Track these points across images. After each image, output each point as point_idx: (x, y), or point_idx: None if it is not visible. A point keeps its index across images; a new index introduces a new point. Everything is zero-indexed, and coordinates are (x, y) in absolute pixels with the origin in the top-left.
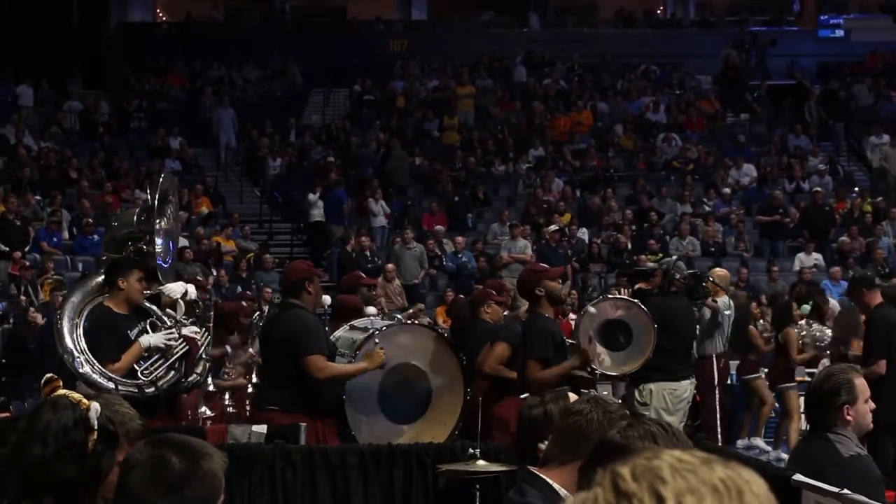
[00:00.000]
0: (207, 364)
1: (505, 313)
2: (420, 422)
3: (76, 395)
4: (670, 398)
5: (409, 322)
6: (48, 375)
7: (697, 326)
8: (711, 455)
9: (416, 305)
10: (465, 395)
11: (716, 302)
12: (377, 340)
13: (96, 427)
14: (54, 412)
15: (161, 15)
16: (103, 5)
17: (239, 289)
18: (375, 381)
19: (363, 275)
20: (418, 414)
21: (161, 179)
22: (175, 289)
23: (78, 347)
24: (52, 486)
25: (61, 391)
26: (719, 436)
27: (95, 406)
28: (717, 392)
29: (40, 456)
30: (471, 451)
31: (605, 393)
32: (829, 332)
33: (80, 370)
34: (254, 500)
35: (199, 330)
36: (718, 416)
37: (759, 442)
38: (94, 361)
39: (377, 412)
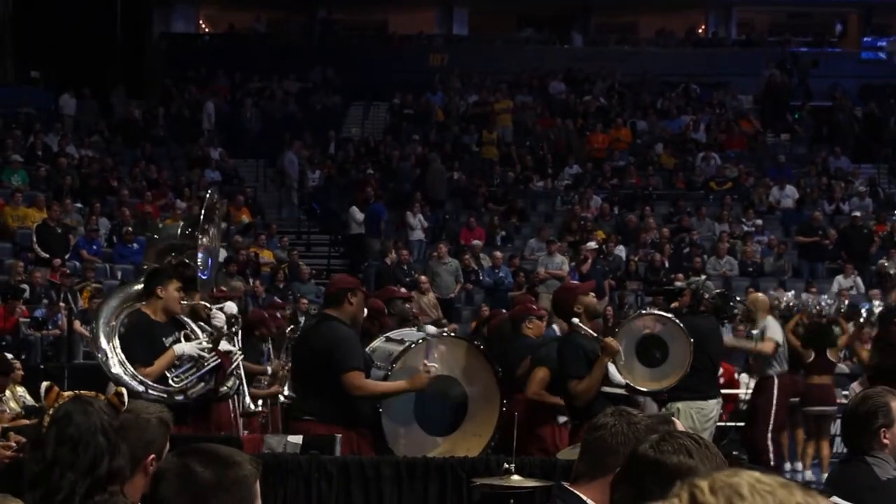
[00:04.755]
0: (238, 380)
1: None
2: (456, 433)
3: (85, 393)
4: (698, 417)
5: (444, 333)
6: (46, 384)
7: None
8: (790, 481)
9: (451, 326)
10: (501, 406)
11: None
12: (426, 362)
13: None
14: (88, 412)
15: (203, 26)
16: (147, 16)
17: (275, 300)
18: (410, 394)
19: (395, 288)
20: (455, 425)
21: (208, 195)
22: (220, 317)
23: (112, 349)
24: (115, 474)
25: (67, 393)
26: (771, 457)
27: (124, 390)
28: (772, 414)
29: (102, 450)
30: (506, 465)
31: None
32: None
33: (112, 371)
34: None
35: (233, 348)
36: (770, 437)
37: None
38: (127, 364)
39: (413, 423)
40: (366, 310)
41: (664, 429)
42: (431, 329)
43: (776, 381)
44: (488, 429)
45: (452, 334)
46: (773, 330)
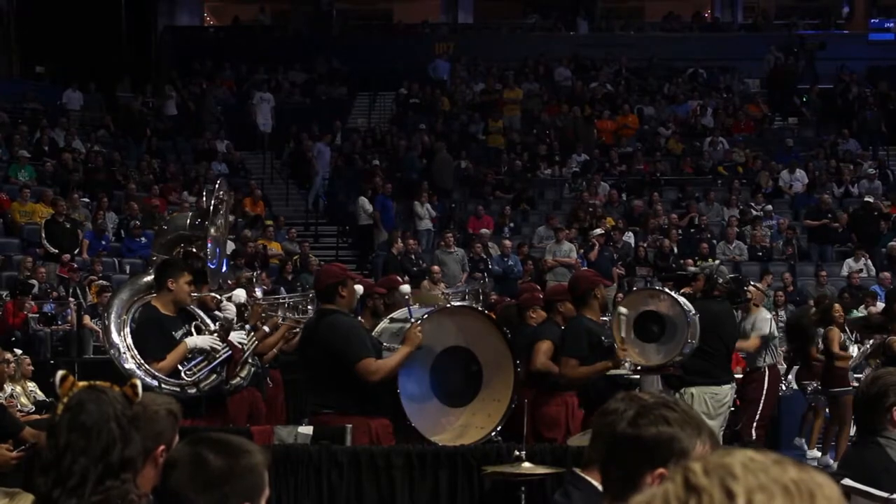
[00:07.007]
0: (252, 368)
1: None
2: (475, 402)
3: (99, 383)
4: (712, 402)
5: (448, 305)
6: (62, 372)
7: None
8: (784, 457)
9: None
10: (515, 368)
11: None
12: (412, 319)
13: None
14: (101, 400)
15: (208, 19)
16: (151, 9)
17: (282, 290)
18: (426, 370)
19: (398, 278)
20: (473, 394)
21: (217, 186)
22: (231, 308)
23: (124, 343)
24: (128, 462)
25: (81, 383)
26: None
27: (138, 381)
28: (760, 405)
29: (114, 437)
30: (516, 453)
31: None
32: None
33: (126, 366)
34: (299, 501)
35: (245, 338)
36: (755, 426)
37: (814, 452)
38: (140, 358)
39: (432, 399)
40: (361, 288)
41: (640, 402)
42: (405, 288)
43: (766, 372)
44: (507, 392)
45: (458, 302)
46: (762, 323)
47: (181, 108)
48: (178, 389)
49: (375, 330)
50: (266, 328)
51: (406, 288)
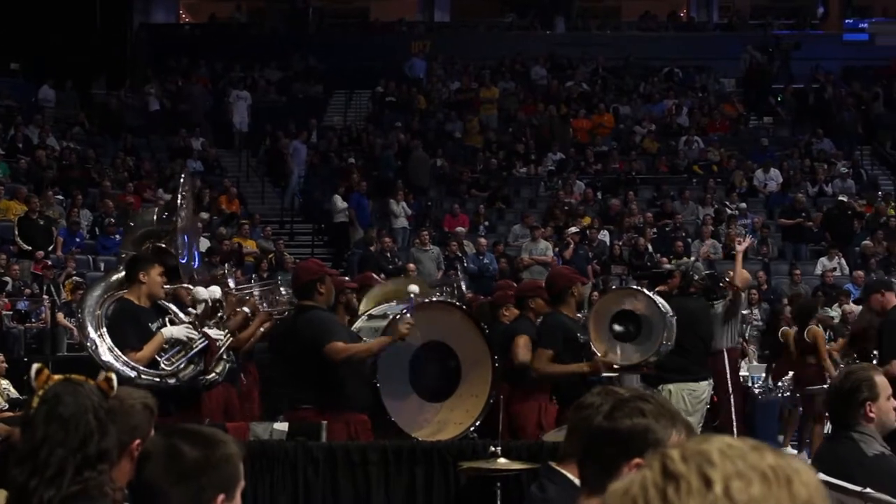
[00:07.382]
0: (228, 365)
1: None
2: (453, 397)
3: (75, 377)
4: (689, 399)
5: (427, 300)
6: (37, 366)
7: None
8: (762, 443)
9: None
10: (493, 363)
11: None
12: (405, 312)
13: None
14: (78, 392)
15: (184, 16)
16: (126, 6)
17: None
18: (405, 365)
19: (374, 275)
20: (451, 389)
21: (182, 180)
22: (201, 291)
23: (100, 337)
24: (104, 453)
25: (56, 376)
26: (734, 433)
27: (113, 375)
28: (729, 388)
29: (92, 429)
30: (492, 448)
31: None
32: None
33: (103, 358)
34: (276, 496)
35: (220, 333)
36: (734, 415)
37: (787, 450)
38: (117, 350)
39: (410, 394)
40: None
41: (615, 396)
42: (414, 288)
43: (725, 354)
44: (484, 388)
45: (436, 298)
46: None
47: (163, 104)
48: (157, 380)
49: (353, 327)
50: (246, 309)
51: (414, 288)
